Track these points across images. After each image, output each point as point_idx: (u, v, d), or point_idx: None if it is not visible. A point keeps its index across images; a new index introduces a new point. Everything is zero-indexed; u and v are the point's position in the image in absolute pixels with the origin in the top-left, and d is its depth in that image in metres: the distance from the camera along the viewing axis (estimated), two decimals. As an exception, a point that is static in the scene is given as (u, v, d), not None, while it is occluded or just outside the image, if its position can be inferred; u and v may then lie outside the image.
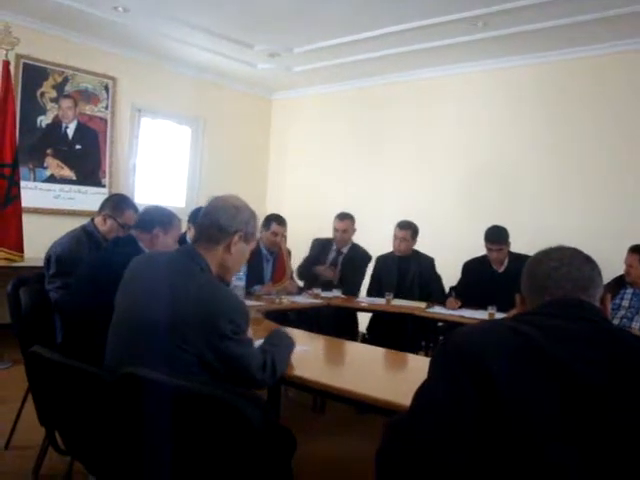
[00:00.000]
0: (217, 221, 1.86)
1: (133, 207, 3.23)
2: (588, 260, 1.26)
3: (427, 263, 4.54)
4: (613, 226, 4.84)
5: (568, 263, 1.23)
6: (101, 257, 2.62)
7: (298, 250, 4.82)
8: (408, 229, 4.49)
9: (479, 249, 4.23)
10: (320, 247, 4.77)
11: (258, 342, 1.97)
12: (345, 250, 4.73)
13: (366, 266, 4.77)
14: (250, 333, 1.86)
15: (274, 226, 4.27)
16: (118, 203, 3.23)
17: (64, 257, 3.00)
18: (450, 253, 4.90)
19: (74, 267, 2.85)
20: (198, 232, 1.91)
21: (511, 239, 4.13)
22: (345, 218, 4.69)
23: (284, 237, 4.36)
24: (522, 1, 4.23)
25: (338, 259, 4.72)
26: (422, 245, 4.62)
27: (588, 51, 5.03)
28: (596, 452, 0.97)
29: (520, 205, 5.38)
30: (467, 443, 1.00)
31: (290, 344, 2.06)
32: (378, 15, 4.70)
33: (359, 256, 4.73)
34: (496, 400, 1.01)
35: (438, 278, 4.53)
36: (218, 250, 1.85)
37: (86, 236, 3.14)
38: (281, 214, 4.42)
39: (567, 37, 4.84)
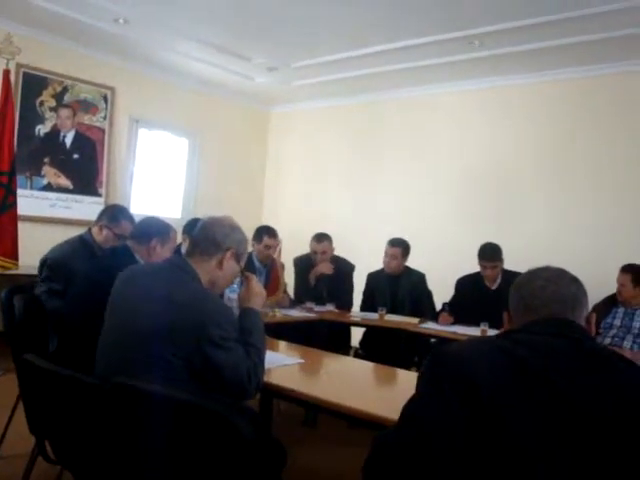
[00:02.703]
0: (213, 235, 1.91)
1: (129, 218, 3.25)
2: (574, 280, 1.29)
3: (418, 279, 4.50)
4: (605, 244, 4.89)
5: (554, 283, 1.26)
6: (97, 267, 2.62)
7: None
8: (399, 247, 4.43)
9: (476, 262, 4.23)
10: (306, 263, 4.68)
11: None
12: None
13: (352, 275, 4.74)
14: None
15: (266, 239, 4.18)
16: (115, 214, 3.24)
17: (56, 263, 3.02)
18: (448, 266, 4.90)
19: (64, 274, 2.88)
20: (192, 245, 1.95)
21: (505, 253, 4.16)
22: (323, 239, 4.56)
23: (278, 250, 4.34)
24: (518, 22, 4.31)
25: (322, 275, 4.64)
26: (419, 260, 4.63)
27: (580, 72, 5.15)
28: (581, 465, 0.99)
29: (515, 218, 5.43)
30: (453, 456, 1.02)
31: (262, 329, 1.94)
32: (376, 32, 4.76)
33: (343, 268, 4.68)
34: (482, 414, 1.03)
35: (429, 294, 4.52)
36: (210, 264, 1.90)
37: (82, 245, 3.16)
38: (277, 227, 4.37)
39: (561, 58, 4.94)
